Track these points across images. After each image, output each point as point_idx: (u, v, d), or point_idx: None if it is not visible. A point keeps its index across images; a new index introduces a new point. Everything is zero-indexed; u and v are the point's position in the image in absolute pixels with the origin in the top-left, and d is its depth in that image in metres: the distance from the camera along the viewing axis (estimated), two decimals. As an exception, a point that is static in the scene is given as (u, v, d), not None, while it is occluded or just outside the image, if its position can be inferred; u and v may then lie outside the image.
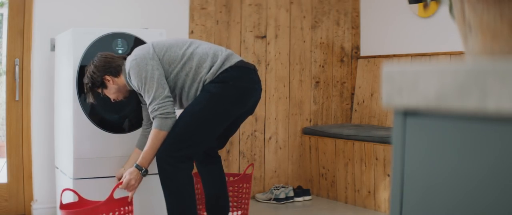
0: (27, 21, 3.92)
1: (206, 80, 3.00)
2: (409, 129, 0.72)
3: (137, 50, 3.07)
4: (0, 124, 5.03)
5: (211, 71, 2.99)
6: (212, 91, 2.96)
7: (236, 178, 3.87)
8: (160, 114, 2.92)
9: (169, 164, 2.96)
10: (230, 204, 3.69)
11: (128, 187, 3.03)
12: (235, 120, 3.19)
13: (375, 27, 5.11)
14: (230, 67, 3.00)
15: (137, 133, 3.56)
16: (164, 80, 2.99)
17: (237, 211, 3.83)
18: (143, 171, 3.03)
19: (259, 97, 3.18)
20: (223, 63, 3.01)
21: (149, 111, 2.96)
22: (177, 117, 3.00)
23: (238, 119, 3.24)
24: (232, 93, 2.98)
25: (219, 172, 3.35)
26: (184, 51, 3.06)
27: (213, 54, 3.04)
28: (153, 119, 2.97)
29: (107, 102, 3.54)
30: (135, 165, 3.04)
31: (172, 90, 3.05)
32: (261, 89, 3.16)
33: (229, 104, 3.00)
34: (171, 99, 2.97)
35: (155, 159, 3.02)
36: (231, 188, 3.68)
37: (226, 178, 3.77)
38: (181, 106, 3.16)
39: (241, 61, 3.07)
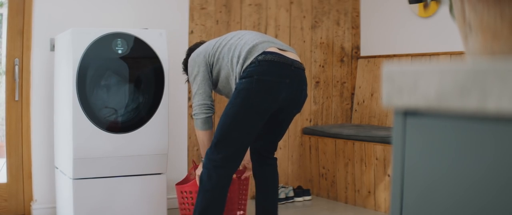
0: (27, 21, 3.92)
1: (236, 76, 3.05)
2: (409, 129, 0.72)
3: (200, 46, 3.30)
4: (0, 124, 5.04)
5: (238, 65, 3.02)
6: (238, 88, 2.97)
7: (239, 176, 3.87)
8: (193, 114, 3.19)
9: (206, 167, 3.02)
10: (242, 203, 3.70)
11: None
12: (280, 121, 3.20)
13: (375, 27, 5.11)
14: (256, 60, 2.97)
15: (137, 133, 3.56)
16: (206, 81, 3.16)
17: (238, 211, 3.83)
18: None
19: (294, 93, 3.05)
20: (246, 57, 3.00)
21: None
22: (207, 117, 3.15)
23: (283, 120, 3.22)
24: (257, 88, 2.93)
25: (270, 174, 3.37)
26: (223, 46, 3.15)
27: (241, 47, 3.06)
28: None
29: (107, 102, 3.55)
30: None
31: (217, 83, 3.21)
32: (297, 84, 3.04)
33: (257, 99, 2.94)
34: (202, 102, 3.14)
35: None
36: (233, 188, 3.67)
37: None
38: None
39: (268, 54, 2.98)
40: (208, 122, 3.16)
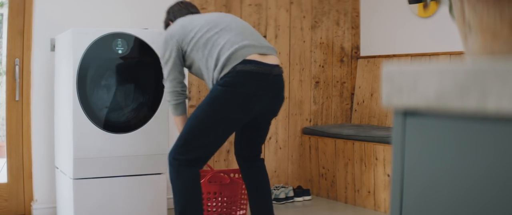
0: (27, 21, 3.92)
1: (213, 79, 3.00)
2: (409, 129, 0.72)
3: (176, 24, 3.17)
4: (0, 124, 5.04)
5: (216, 72, 2.97)
6: (213, 95, 2.94)
7: (240, 175, 3.87)
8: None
9: (172, 165, 3.00)
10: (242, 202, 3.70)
11: None
12: (258, 127, 3.19)
13: (375, 27, 5.11)
14: (234, 70, 2.90)
15: (137, 133, 3.56)
16: (176, 67, 3.10)
17: (239, 210, 3.83)
18: None
19: (270, 103, 3.05)
20: (225, 65, 2.93)
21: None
22: (177, 103, 3.13)
23: (261, 125, 3.20)
24: (231, 99, 2.92)
25: (259, 175, 3.32)
26: (199, 37, 3.05)
27: (219, 50, 2.96)
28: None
29: (107, 102, 3.55)
30: None
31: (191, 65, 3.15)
32: (273, 94, 3.02)
33: (229, 110, 2.94)
34: (173, 89, 3.11)
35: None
36: (234, 188, 3.67)
37: (228, 175, 3.78)
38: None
39: (247, 64, 2.91)
40: (179, 107, 3.14)
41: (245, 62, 2.91)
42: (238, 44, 2.94)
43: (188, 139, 2.96)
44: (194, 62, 3.09)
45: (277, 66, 3.03)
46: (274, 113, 3.17)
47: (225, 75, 2.92)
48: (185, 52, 3.09)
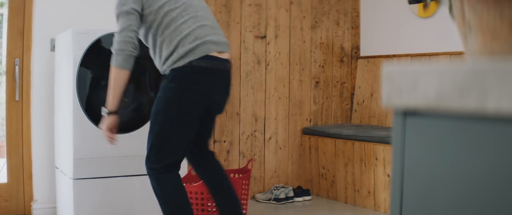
0: (27, 21, 3.92)
1: (165, 64, 2.84)
2: (409, 129, 0.72)
3: None
4: (0, 124, 5.04)
5: (169, 60, 2.83)
6: (168, 95, 2.83)
7: (240, 175, 3.87)
8: (114, 49, 2.81)
9: (151, 175, 2.90)
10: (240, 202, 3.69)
11: (104, 133, 2.93)
12: (206, 122, 3.05)
13: (375, 27, 5.11)
14: (190, 65, 2.80)
15: (138, 133, 3.56)
16: (136, 19, 2.82)
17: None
18: (105, 111, 2.88)
19: (220, 99, 3.01)
20: (182, 57, 2.80)
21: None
22: (131, 55, 2.80)
23: (207, 121, 3.08)
24: (190, 96, 2.84)
25: (215, 168, 3.16)
26: (166, 9, 2.85)
27: (180, 39, 2.82)
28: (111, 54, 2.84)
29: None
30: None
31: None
32: (223, 90, 2.98)
33: (190, 108, 2.86)
34: (130, 39, 2.80)
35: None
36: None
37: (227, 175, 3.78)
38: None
39: (203, 60, 2.83)
40: (130, 60, 2.80)
41: (202, 58, 2.84)
42: (200, 40, 2.85)
43: (159, 146, 2.87)
44: (149, 32, 2.89)
45: (228, 61, 2.97)
46: (221, 109, 3.08)
47: (178, 68, 2.80)
48: (146, 14, 2.86)
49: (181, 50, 2.81)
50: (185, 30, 2.84)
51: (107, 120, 2.90)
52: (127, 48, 2.77)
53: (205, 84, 2.87)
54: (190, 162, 3.19)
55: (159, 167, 2.87)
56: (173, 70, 2.82)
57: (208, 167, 3.17)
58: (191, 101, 2.85)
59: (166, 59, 2.84)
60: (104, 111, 2.89)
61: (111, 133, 2.93)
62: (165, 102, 2.84)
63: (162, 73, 2.95)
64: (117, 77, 2.80)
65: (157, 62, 2.93)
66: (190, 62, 2.81)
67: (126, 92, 3.62)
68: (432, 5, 4.59)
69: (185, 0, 2.92)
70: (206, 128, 3.13)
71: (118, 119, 2.94)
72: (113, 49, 2.80)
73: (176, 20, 2.85)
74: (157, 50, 2.88)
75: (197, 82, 2.84)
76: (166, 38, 2.84)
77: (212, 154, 3.20)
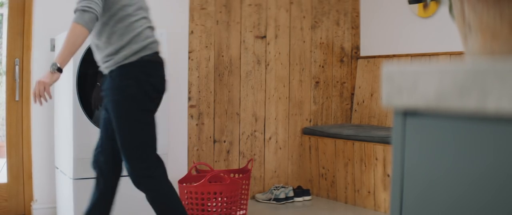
0: (27, 21, 3.92)
1: (114, 57, 2.77)
2: (409, 129, 0.72)
3: None
4: (0, 124, 5.04)
5: (122, 54, 2.76)
6: (130, 93, 2.76)
7: (240, 175, 3.87)
8: (82, 6, 2.66)
9: (140, 184, 2.82)
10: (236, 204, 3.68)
11: (39, 84, 2.65)
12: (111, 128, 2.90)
13: (375, 27, 5.11)
14: (142, 60, 2.77)
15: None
16: None
17: (239, 211, 3.83)
18: (54, 67, 2.65)
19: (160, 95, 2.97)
20: (135, 53, 2.77)
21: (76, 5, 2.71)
22: (97, 16, 2.68)
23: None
24: (149, 89, 2.80)
25: (112, 195, 2.98)
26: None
27: (135, 35, 2.79)
28: (74, 12, 2.69)
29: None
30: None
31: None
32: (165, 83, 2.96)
33: (148, 101, 2.82)
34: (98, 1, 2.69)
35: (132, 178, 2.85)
36: (234, 188, 3.67)
37: (228, 175, 3.78)
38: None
39: (154, 55, 2.84)
40: (94, 22, 2.67)
41: (153, 54, 2.84)
42: (150, 39, 2.85)
43: (140, 147, 2.80)
44: (105, 21, 2.79)
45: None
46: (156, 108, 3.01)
47: (131, 64, 2.76)
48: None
49: (134, 47, 2.77)
50: (138, 28, 2.81)
51: (55, 76, 2.66)
52: (94, 8, 2.65)
53: (158, 76, 2.85)
54: (99, 171, 2.95)
55: (149, 173, 2.81)
56: (123, 66, 2.76)
57: (113, 189, 2.97)
58: (152, 91, 2.82)
59: (115, 53, 2.77)
60: (54, 65, 2.65)
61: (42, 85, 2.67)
62: (130, 101, 2.76)
63: (103, 68, 2.84)
64: (80, 35, 2.64)
65: (101, 54, 2.83)
66: (142, 58, 2.78)
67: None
68: (432, 5, 4.59)
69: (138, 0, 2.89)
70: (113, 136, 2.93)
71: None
72: (80, 5, 2.64)
73: (131, 16, 2.80)
74: (104, 39, 2.79)
75: (151, 75, 2.81)
76: (117, 31, 2.77)
77: (119, 176, 2.99)
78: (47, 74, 2.66)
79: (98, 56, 2.86)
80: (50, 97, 2.68)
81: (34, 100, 2.70)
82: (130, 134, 2.79)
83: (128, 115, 2.78)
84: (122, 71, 2.76)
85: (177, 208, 2.88)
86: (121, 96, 2.76)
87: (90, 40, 2.94)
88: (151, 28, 2.91)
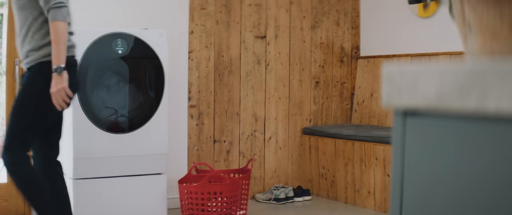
0: (27, 21, 3.92)
1: (34, 54, 2.83)
2: (409, 129, 0.72)
3: None
4: (0, 124, 5.04)
5: (43, 51, 2.82)
6: (38, 89, 2.82)
7: (240, 175, 3.87)
8: (57, 3, 2.77)
9: (12, 168, 2.87)
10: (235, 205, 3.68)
11: (57, 93, 2.81)
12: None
13: (375, 27, 5.11)
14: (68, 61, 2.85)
15: (137, 133, 3.56)
16: None
17: (239, 211, 3.83)
18: (59, 69, 2.78)
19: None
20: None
21: (44, 5, 2.79)
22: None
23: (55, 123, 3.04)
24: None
25: (56, 183, 3.02)
26: None
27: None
28: (48, 12, 2.78)
29: (107, 102, 3.55)
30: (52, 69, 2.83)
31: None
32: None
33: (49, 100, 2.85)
34: None
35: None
36: (234, 187, 3.67)
37: (228, 175, 3.78)
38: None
39: (70, 58, 2.91)
40: (69, 12, 2.87)
41: (70, 56, 2.90)
42: (70, 42, 2.92)
43: (24, 136, 2.85)
44: (29, 12, 2.84)
45: None
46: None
47: (48, 63, 2.81)
48: None
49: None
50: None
51: (64, 76, 2.79)
52: (64, 1, 2.79)
53: (71, 77, 2.86)
54: (35, 154, 3.05)
55: (22, 155, 2.85)
56: (42, 64, 2.83)
57: (52, 178, 3.02)
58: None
59: (37, 49, 2.83)
60: (59, 68, 2.77)
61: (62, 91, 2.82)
62: (36, 95, 2.84)
63: (24, 62, 2.89)
64: (64, 30, 2.78)
65: (23, 48, 2.88)
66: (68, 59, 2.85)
67: (126, 93, 3.62)
68: (432, 5, 4.59)
69: (68, 5, 2.93)
70: (58, 130, 3.06)
71: None
72: (52, 3, 2.74)
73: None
74: (30, 33, 2.85)
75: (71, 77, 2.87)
76: (43, 29, 2.84)
77: (59, 164, 3.06)
78: (57, 79, 2.78)
79: (19, 46, 2.91)
80: (71, 96, 2.86)
81: (62, 109, 2.87)
82: (24, 123, 2.86)
83: (30, 106, 2.85)
84: (39, 67, 2.84)
85: (39, 206, 2.88)
86: (30, 88, 2.85)
87: (16, 26, 2.94)
88: (72, 33, 3.00)
